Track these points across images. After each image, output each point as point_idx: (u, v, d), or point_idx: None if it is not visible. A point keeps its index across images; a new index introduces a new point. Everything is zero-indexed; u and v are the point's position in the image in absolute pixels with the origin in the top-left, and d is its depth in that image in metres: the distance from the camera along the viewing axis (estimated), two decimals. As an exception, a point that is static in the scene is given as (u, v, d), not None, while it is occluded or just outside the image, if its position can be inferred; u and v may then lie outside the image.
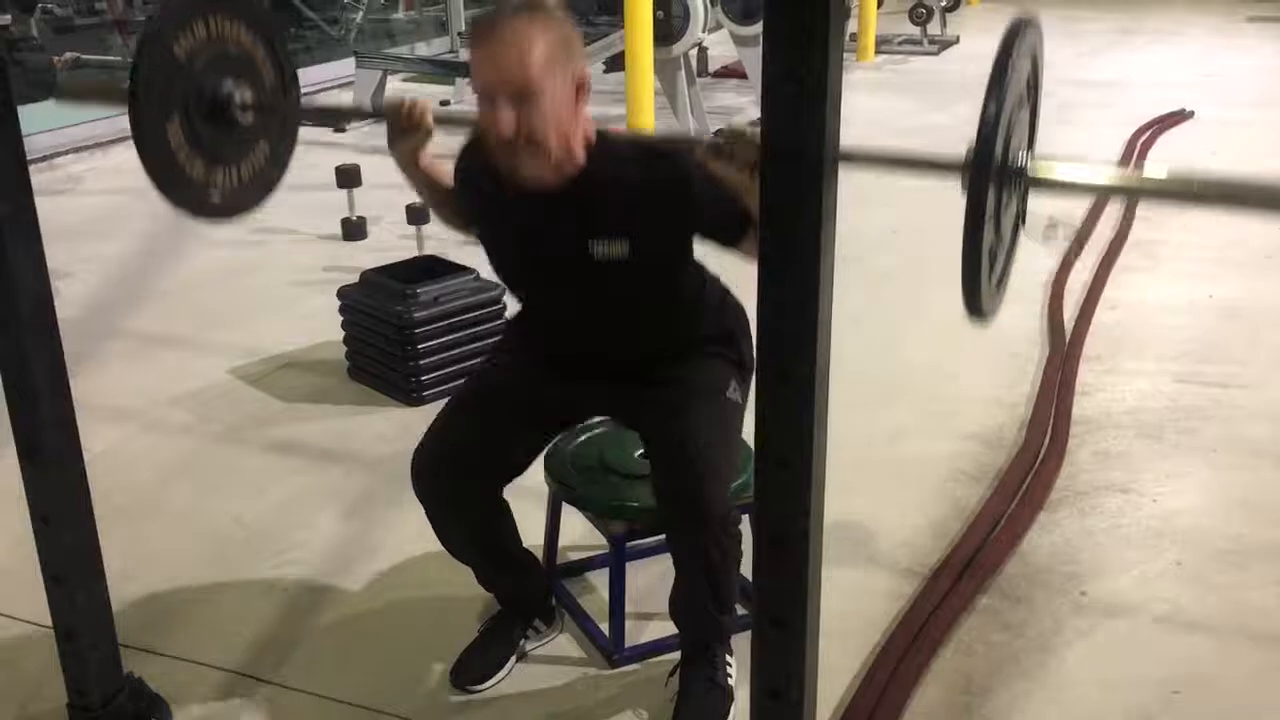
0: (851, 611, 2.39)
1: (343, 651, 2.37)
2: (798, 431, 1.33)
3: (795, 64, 1.18)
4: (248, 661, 2.33)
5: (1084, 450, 3.16)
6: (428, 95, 7.39)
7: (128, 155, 7.03)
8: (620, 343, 2.12)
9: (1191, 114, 7.18)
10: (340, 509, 2.91)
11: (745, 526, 2.10)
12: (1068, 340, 3.87)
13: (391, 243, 4.88)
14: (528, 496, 2.28)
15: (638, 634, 2.36)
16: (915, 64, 9.56)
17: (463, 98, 7.53)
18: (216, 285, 4.60)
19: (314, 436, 3.33)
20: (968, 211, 1.28)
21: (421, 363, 3.44)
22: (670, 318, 2.12)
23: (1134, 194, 1.30)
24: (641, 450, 2.25)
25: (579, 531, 2.57)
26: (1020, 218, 1.47)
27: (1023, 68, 1.35)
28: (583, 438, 2.39)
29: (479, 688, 2.24)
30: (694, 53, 7.49)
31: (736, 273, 2.14)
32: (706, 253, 2.08)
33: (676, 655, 2.21)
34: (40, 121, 6.44)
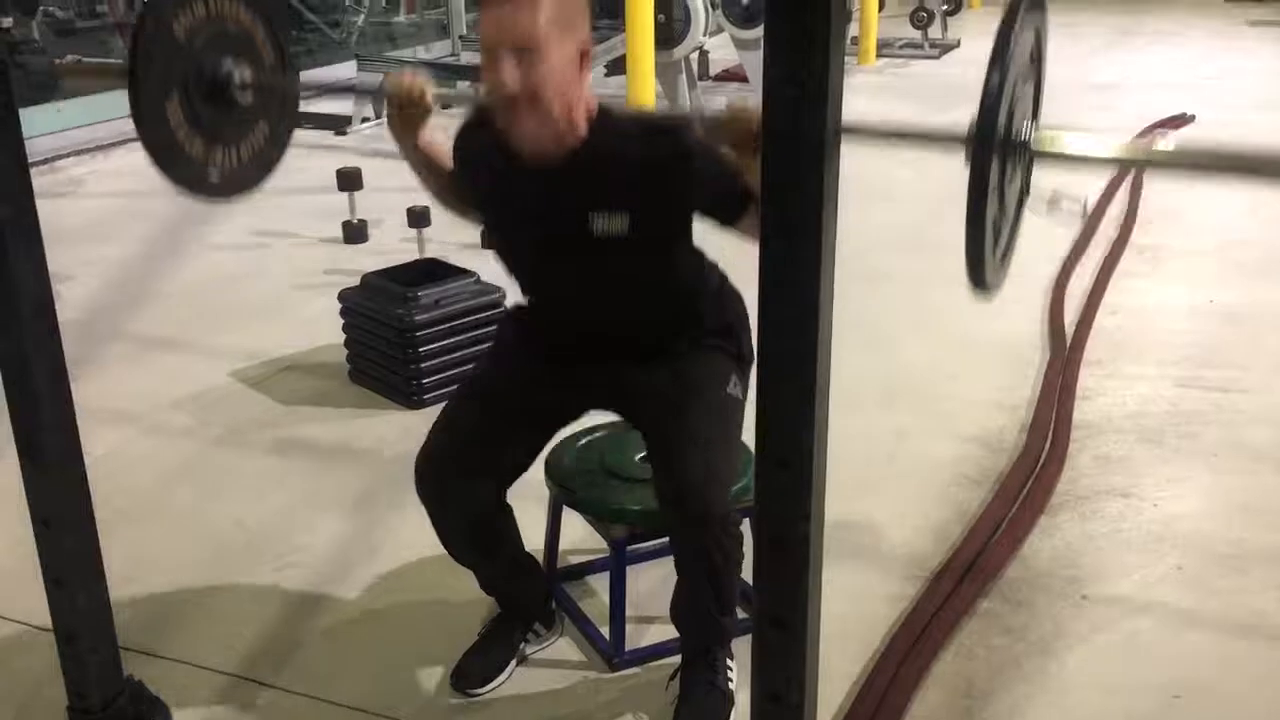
0: (852, 615, 2.39)
1: (343, 655, 2.37)
2: (798, 433, 1.33)
3: (797, 67, 1.18)
4: (248, 665, 2.33)
5: (1085, 454, 3.16)
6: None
7: (129, 158, 7.07)
8: (620, 325, 2.11)
9: (1192, 118, 7.19)
10: (341, 512, 2.91)
11: (746, 529, 2.11)
12: (1068, 344, 3.87)
13: (392, 246, 4.89)
14: (528, 500, 2.28)
15: (638, 638, 2.35)
16: (916, 68, 9.57)
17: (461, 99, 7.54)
18: (217, 288, 4.60)
19: (315, 439, 3.33)
20: (971, 183, 1.27)
21: (422, 366, 3.44)
22: (669, 299, 2.11)
23: (1141, 165, 1.29)
24: (642, 454, 2.25)
25: (579, 535, 2.57)
26: (1025, 190, 1.46)
27: (1026, 39, 1.33)
28: (583, 442, 2.39)
29: (479, 691, 2.23)
30: (695, 56, 7.50)
31: (734, 264, 2.16)
32: (705, 239, 2.08)
33: (677, 659, 2.21)
34: (41, 124, 6.46)
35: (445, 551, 2.20)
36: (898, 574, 2.60)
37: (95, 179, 6.21)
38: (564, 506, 2.38)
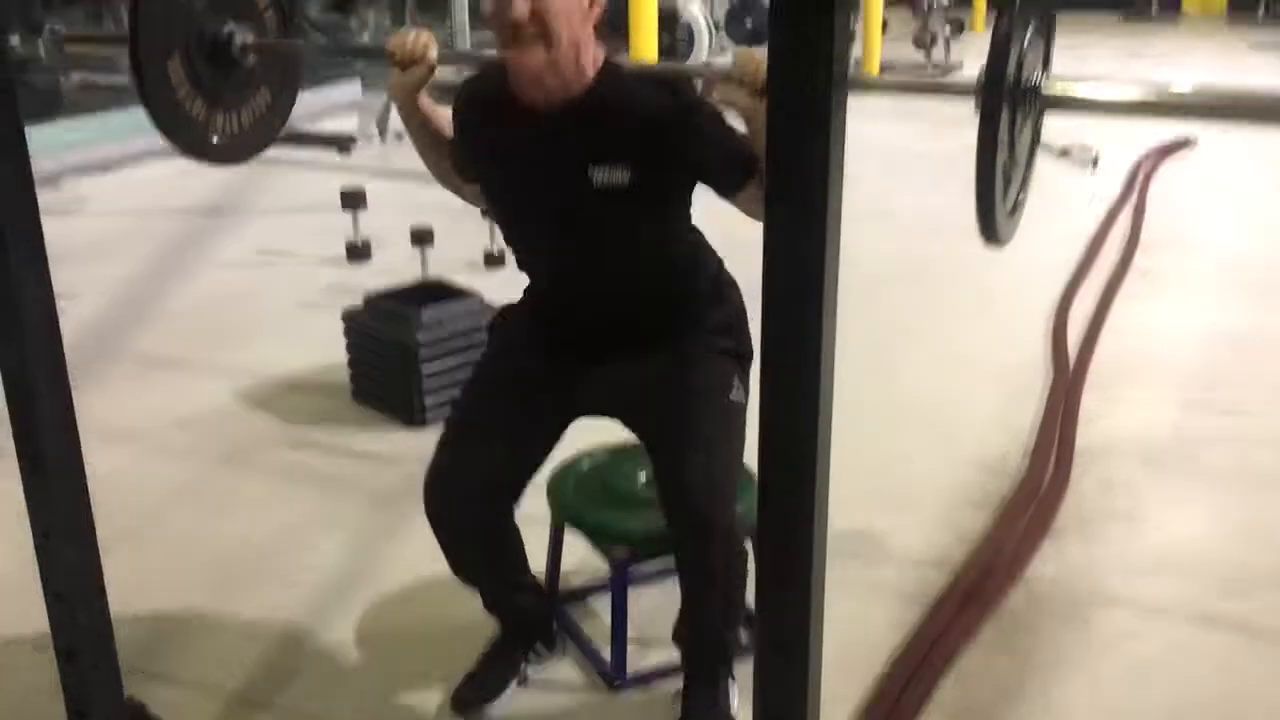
0: (854, 639, 2.38)
1: (344, 676, 2.36)
2: (801, 455, 1.33)
3: (801, 21, 1.17)
4: (249, 685, 2.32)
5: (1088, 478, 3.15)
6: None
7: (134, 176, 7.08)
8: (620, 299, 2.07)
9: (1194, 142, 7.20)
10: (343, 532, 2.91)
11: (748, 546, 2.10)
12: (1071, 367, 3.87)
13: (396, 265, 4.89)
14: (530, 522, 2.28)
15: (639, 660, 2.35)
16: (919, 90, 9.60)
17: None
18: (221, 306, 4.61)
19: (317, 459, 3.33)
20: (981, 132, 1.26)
21: (425, 386, 3.44)
22: (668, 271, 2.08)
23: (1156, 111, 1.28)
24: (643, 476, 2.25)
25: (581, 556, 2.56)
26: (1036, 139, 1.44)
27: None
28: (585, 464, 2.39)
29: (480, 712, 2.23)
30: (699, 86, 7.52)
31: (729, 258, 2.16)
32: (705, 230, 2.08)
33: (678, 682, 2.20)
34: (46, 142, 6.48)
35: (449, 571, 2.19)
36: (899, 598, 2.59)
37: (100, 197, 6.23)
38: (565, 529, 2.38)
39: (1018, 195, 1.47)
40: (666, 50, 6.77)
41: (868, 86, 1.39)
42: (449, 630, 2.46)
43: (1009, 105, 1.27)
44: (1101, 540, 2.85)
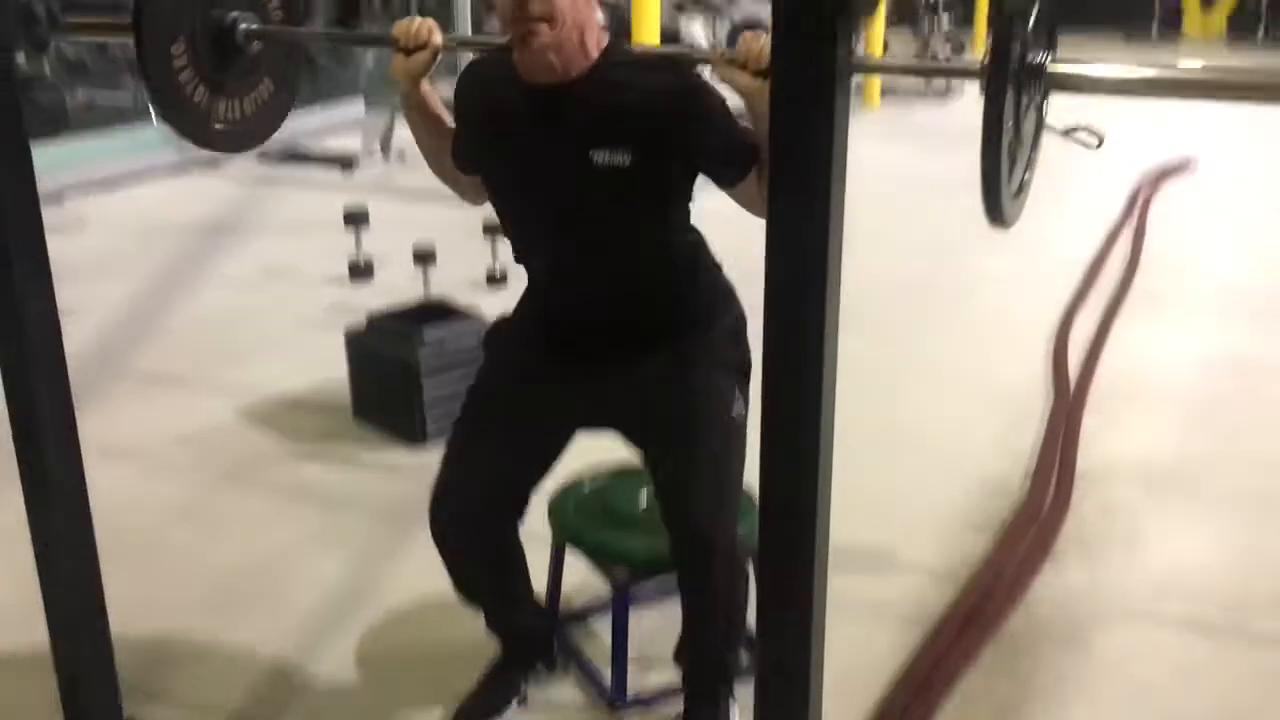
0: (854, 663, 2.38)
1: (344, 696, 2.36)
2: (801, 476, 1.33)
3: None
4: (248, 706, 2.32)
5: (1088, 501, 3.15)
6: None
7: (137, 194, 7.09)
8: (619, 296, 2.03)
9: (1193, 162, 7.22)
10: (344, 552, 2.90)
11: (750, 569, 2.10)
12: (1071, 390, 3.87)
13: (398, 284, 4.90)
14: (531, 543, 2.28)
15: (640, 680, 2.34)
16: (920, 112, 9.63)
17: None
18: (223, 324, 4.62)
19: (318, 478, 3.33)
20: (985, 113, 1.26)
21: (427, 406, 3.44)
22: (668, 268, 2.04)
23: (1162, 90, 1.28)
24: (645, 497, 2.25)
25: (582, 577, 2.56)
26: (1041, 119, 1.43)
27: None
28: (586, 484, 2.39)
29: (480, 732, 2.22)
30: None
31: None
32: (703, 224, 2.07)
33: (679, 704, 2.20)
34: (50, 160, 6.50)
35: (449, 591, 2.19)
36: (900, 620, 2.59)
37: (103, 215, 6.25)
38: (566, 549, 2.38)
39: (1023, 176, 1.46)
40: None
41: (871, 67, 1.39)
42: (449, 650, 2.45)
43: (1014, 85, 1.26)
44: (1102, 563, 2.85)
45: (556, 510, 2.32)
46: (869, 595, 2.68)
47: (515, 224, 2.09)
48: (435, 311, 3.68)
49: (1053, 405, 3.75)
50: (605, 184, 1.89)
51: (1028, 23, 1.30)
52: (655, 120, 1.87)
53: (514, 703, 2.27)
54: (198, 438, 3.58)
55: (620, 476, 2.39)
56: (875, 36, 9.80)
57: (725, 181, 1.91)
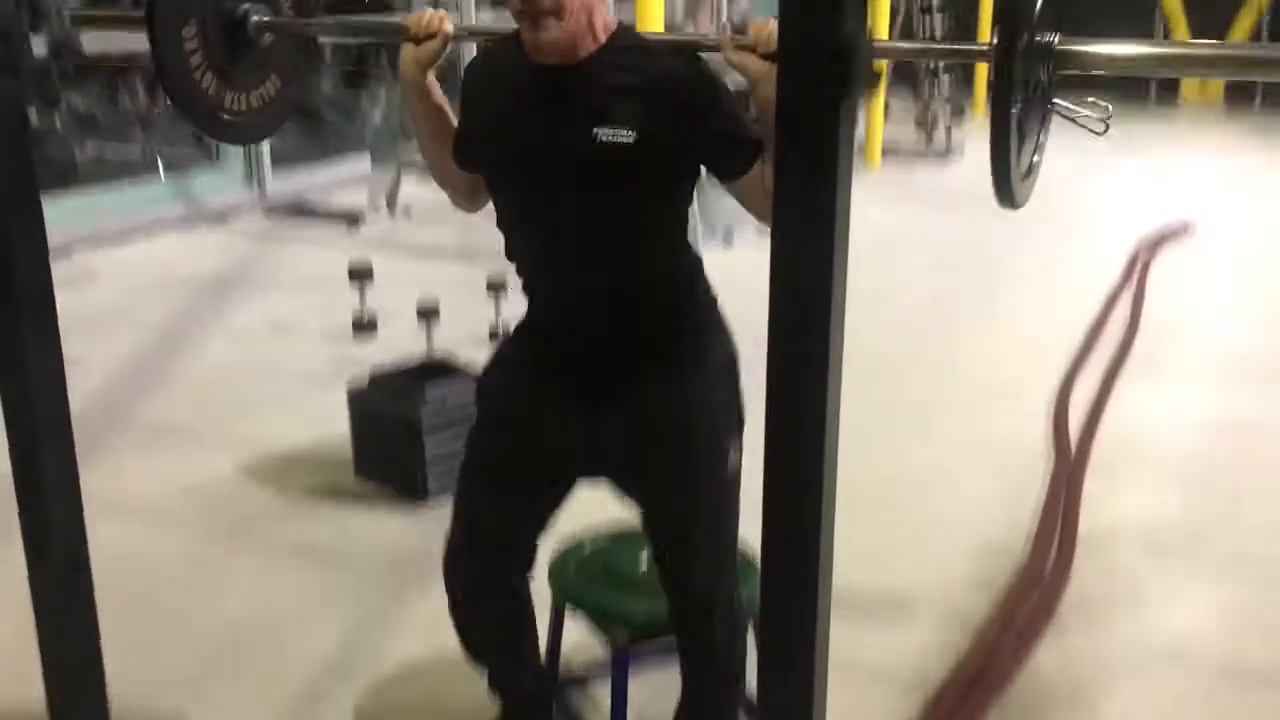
0: (855, 726, 2.36)
1: (340, 757, 2.34)
2: (804, 542, 1.33)
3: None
4: (243, 765, 2.30)
5: (1090, 564, 3.14)
6: (440, 195, 7.52)
7: (145, 248, 7.11)
8: (618, 307, 1.98)
9: (1191, 226, 7.26)
10: (343, 610, 2.89)
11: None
12: (1073, 452, 3.87)
13: (401, 340, 4.92)
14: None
15: (638, 745, 2.33)
16: (921, 174, 9.71)
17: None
18: (227, 379, 4.63)
19: (319, 535, 3.32)
20: (995, 94, 1.26)
21: (429, 464, 3.44)
22: (668, 280, 2.00)
23: (1171, 66, 1.28)
24: (645, 559, 2.25)
25: (581, 639, 2.55)
26: (1049, 100, 1.42)
27: None
28: (587, 546, 2.38)
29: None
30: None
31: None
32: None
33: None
34: (58, 213, 6.55)
35: (449, 650, 2.18)
36: (902, 686, 2.57)
37: (110, 269, 6.28)
38: (566, 610, 2.37)
39: (1032, 158, 1.46)
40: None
41: (882, 51, 1.39)
42: (448, 711, 2.44)
43: (1023, 64, 1.27)
44: (1104, 628, 2.83)
45: (557, 571, 2.32)
46: (871, 660, 2.67)
47: (514, 217, 2.03)
48: (437, 369, 3.70)
49: (1054, 467, 3.74)
50: (608, 162, 1.85)
51: (1036, 2, 1.30)
52: (661, 101, 1.85)
53: (512, 766, 2.25)
54: (199, 492, 3.57)
55: (621, 538, 2.38)
56: (877, 103, 9.90)
57: (728, 173, 1.89)
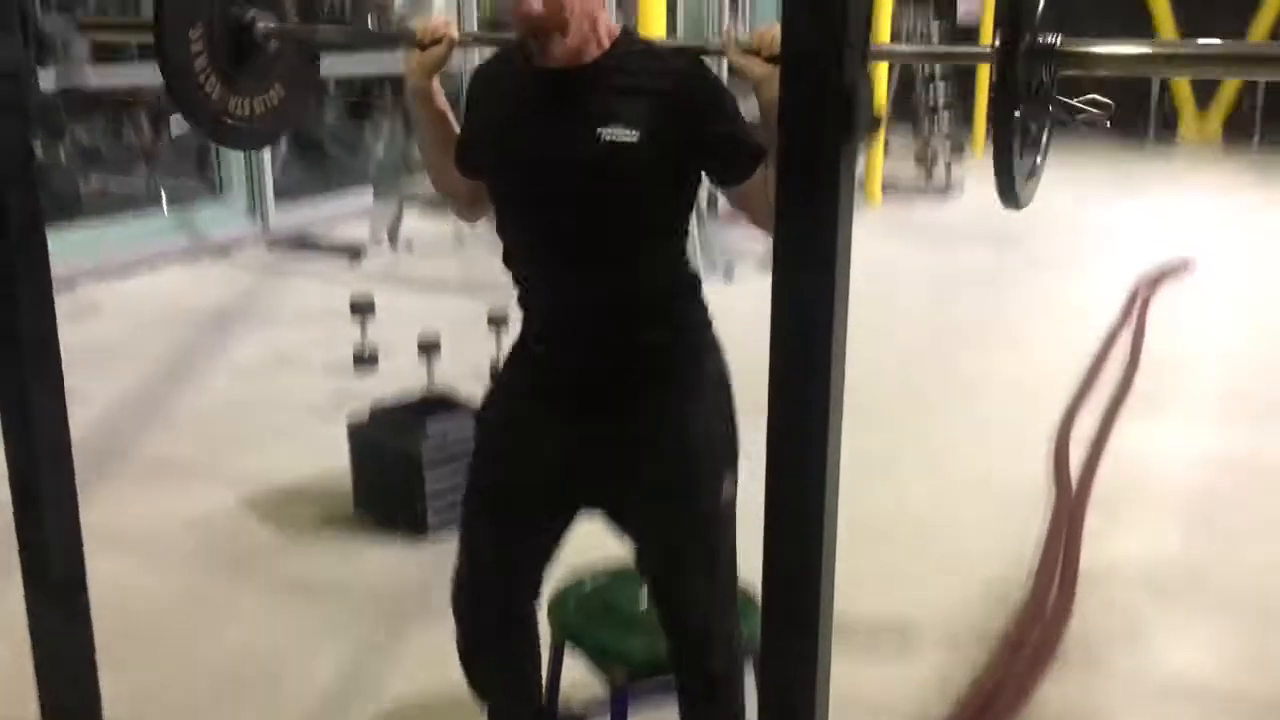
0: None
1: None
2: (806, 583, 1.33)
3: None
4: (240, 802, 2.28)
5: (1091, 604, 3.13)
6: (442, 229, 7.55)
7: (148, 281, 7.12)
8: (618, 318, 1.96)
9: (1191, 263, 7.29)
10: (342, 645, 2.88)
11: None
12: (1073, 490, 3.86)
13: (402, 374, 4.92)
14: (531, 639, 2.26)
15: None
16: (920, 211, 9.75)
17: (476, 232, 7.66)
18: (228, 412, 4.64)
19: (319, 569, 3.31)
20: (997, 95, 1.27)
21: (429, 498, 3.44)
22: (669, 289, 1.99)
23: (1172, 65, 1.29)
24: (645, 597, 2.24)
25: (580, 677, 2.53)
26: (1050, 100, 1.41)
27: None
28: (588, 585, 2.38)
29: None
30: (704, 196, 7.66)
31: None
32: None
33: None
34: (63, 246, 6.58)
35: (447, 686, 2.18)
36: (903, 724, 2.56)
37: (113, 302, 6.30)
38: (566, 648, 2.36)
39: (1035, 159, 1.46)
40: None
41: (885, 55, 1.40)
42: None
43: (1025, 64, 1.27)
44: (1106, 667, 2.82)
45: (556, 609, 2.31)
46: (872, 695, 2.65)
47: (515, 219, 2.02)
48: (438, 404, 3.70)
49: (1055, 505, 3.74)
50: (611, 162, 1.85)
51: (1038, 2, 1.30)
52: (665, 101, 1.85)
53: (511, 806, 2.24)
54: (199, 525, 3.57)
55: (620, 576, 2.38)
56: (877, 139, 9.96)
57: (730, 177, 1.89)
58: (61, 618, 1.90)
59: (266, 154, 7.76)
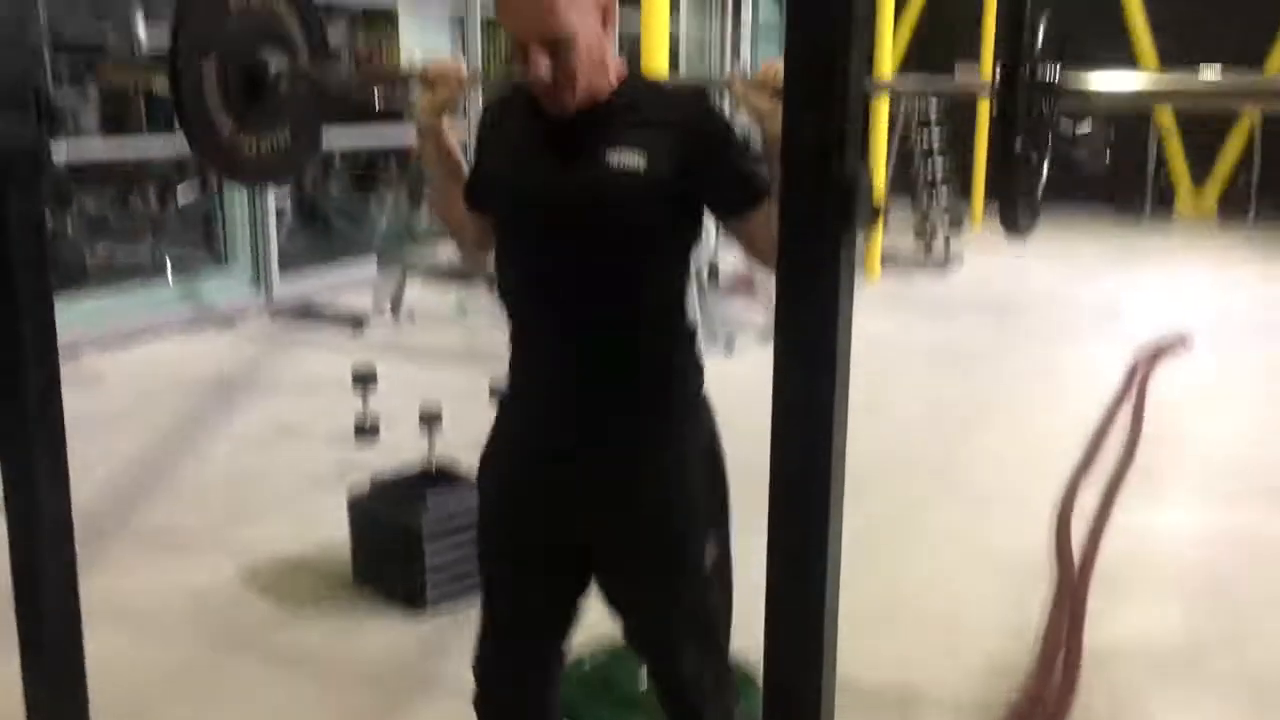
0: None
1: None
2: (807, 664, 1.33)
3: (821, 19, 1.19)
4: None
5: (1095, 682, 3.10)
6: (445, 299, 7.59)
7: (152, 350, 7.15)
8: (615, 364, 1.94)
9: (1189, 339, 7.32)
10: (337, 720, 2.86)
11: None
12: (1076, 567, 3.84)
13: (403, 446, 4.92)
14: None
15: None
16: (920, 284, 9.81)
17: (479, 303, 7.71)
18: (230, 482, 4.63)
19: (317, 644, 3.29)
20: (996, 127, 1.28)
21: (429, 572, 3.42)
22: (668, 337, 1.98)
23: (1169, 99, 1.30)
24: (645, 674, 2.23)
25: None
26: (1051, 130, 1.43)
27: None
28: (588, 664, 2.37)
29: None
30: (705, 267, 7.72)
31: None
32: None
33: None
34: (67, 315, 6.62)
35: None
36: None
37: (116, 370, 6.32)
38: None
39: (1035, 189, 1.47)
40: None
41: (884, 87, 1.42)
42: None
43: (1023, 97, 1.28)
44: (1111, 749, 2.79)
45: (557, 684, 2.29)
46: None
47: (517, 252, 2.01)
48: (439, 476, 3.70)
49: (1057, 583, 3.72)
50: (616, 192, 1.86)
51: (1037, 36, 1.32)
52: (672, 133, 1.87)
53: None
54: (199, 597, 3.55)
55: (621, 654, 2.37)
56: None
57: (733, 210, 1.89)
58: (57, 691, 1.88)
59: (272, 224, 7.85)
